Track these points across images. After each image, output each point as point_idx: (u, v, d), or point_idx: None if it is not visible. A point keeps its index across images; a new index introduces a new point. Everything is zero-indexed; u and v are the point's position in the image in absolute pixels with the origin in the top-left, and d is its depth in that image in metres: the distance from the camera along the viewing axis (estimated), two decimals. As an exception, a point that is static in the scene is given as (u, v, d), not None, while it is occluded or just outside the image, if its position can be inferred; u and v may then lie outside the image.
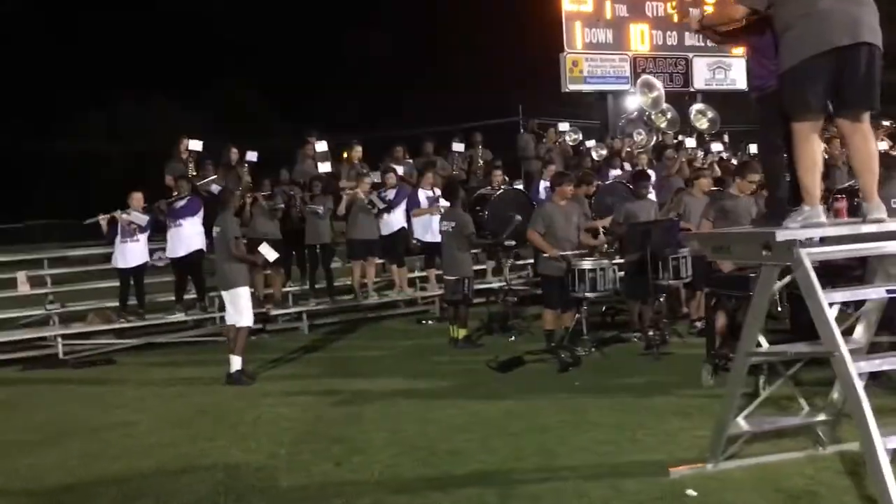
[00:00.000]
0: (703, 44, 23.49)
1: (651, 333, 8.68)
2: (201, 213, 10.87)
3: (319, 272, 12.01)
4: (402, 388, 7.82)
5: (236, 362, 8.49)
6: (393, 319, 12.27)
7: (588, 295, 8.56)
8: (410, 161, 13.88)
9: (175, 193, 11.03)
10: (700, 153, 14.87)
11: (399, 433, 6.27)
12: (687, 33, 23.07)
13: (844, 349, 3.89)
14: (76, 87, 31.50)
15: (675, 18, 20.87)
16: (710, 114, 18.36)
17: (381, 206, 11.81)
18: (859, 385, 3.83)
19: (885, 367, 4.03)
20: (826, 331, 3.96)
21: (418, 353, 9.62)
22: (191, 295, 11.34)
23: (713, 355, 7.26)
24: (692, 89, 23.20)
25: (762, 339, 4.74)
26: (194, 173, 11.99)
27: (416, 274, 12.91)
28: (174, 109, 31.73)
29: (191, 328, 11.27)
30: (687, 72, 23.01)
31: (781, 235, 4.10)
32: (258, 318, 11.35)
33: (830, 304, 4.05)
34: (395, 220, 12.09)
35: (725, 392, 4.95)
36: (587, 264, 8.51)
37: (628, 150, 15.22)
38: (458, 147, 14.56)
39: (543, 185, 12.55)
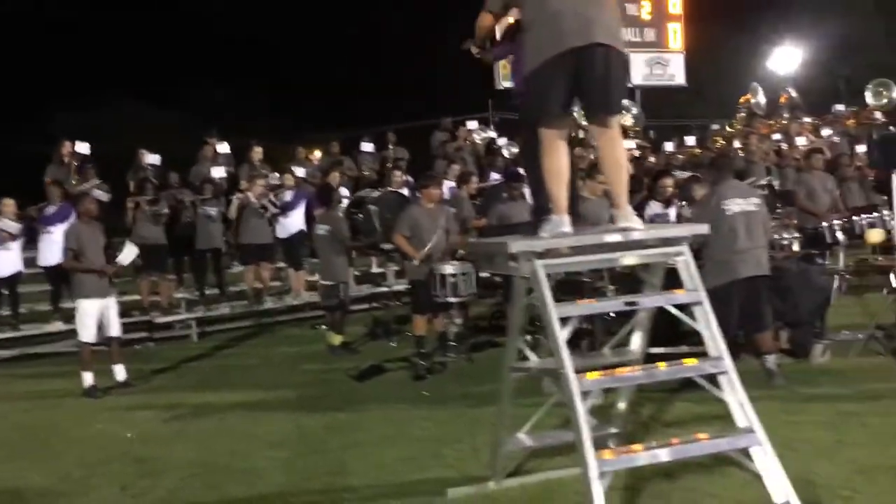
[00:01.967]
0: (640, 39, 23.55)
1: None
2: (73, 220, 10.55)
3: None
4: (249, 400, 7.59)
5: (86, 378, 8.22)
6: (291, 325, 12.01)
7: (450, 300, 8.34)
8: (315, 161, 13.64)
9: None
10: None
11: (209, 451, 6.03)
12: (624, 28, 23.10)
13: (569, 366, 3.68)
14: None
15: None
16: (634, 110, 18.16)
17: (274, 209, 11.56)
18: (580, 405, 3.62)
19: (608, 386, 3.82)
20: (555, 347, 3.75)
21: (293, 362, 9.38)
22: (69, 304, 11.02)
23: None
24: (630, 85, 23.11)
25: (529, 353, 4.53)
26: (76, 178, 11.67)
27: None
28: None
29: (67, 338, 10.94)
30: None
31: (515, 246, 3.89)
32: (143, 326, 11.14)
33: (566, 319, 3.85)
34: (292, 223, 11.85)
35: (497, 407, 4.75)
36: (449, 269, 8.28)
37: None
38: (366, 147, 14.33)
39: (448, 185, 12.36)
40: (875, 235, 9.80)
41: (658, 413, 6.19)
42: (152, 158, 12.37)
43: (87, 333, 8.35)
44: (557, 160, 4.11)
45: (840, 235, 10.33)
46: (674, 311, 4.08)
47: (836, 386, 6.56)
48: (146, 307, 11.24)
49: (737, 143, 15.62)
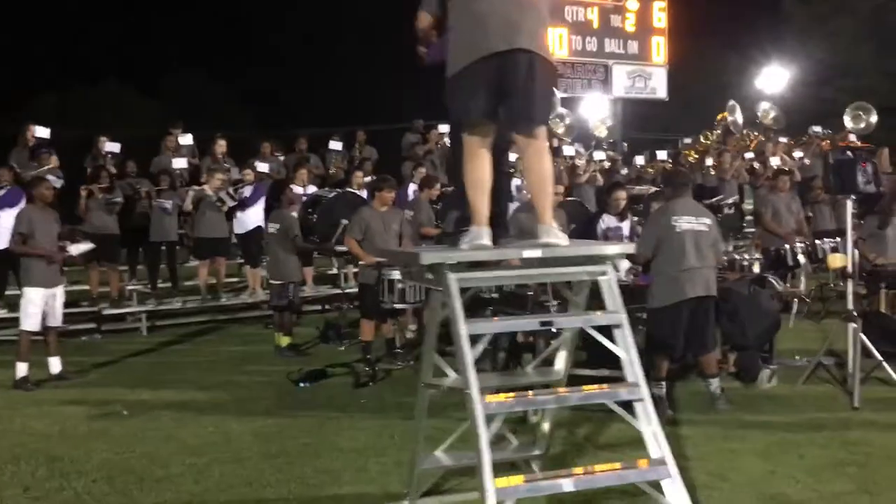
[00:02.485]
0: (623, 51, 23.45)
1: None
2: (22, 204, 10.26)
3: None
4: (183, 399, 7.36)
5: (20, 369, 7.96)
6: (246, 323, 11.76)
7: (398, 306, 8.15)
8: (280, 157, 13.42)
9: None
10: (582, 161, 14.51)
11: (126, 454, 5.78)
12: (607, 39, 23.00)
13: (475, 387, 3.49)
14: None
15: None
16: (608, 121, 18.04)
17: (231, 203, 11.32)
18: (483, 428, 3.44)
19: (514, 409, 3.63)
20: (462, 365, 3.56)
21: (238, 362, 9.15)
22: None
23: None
24: (611, 97, 23.01)
25: (449, 370, 4.33)
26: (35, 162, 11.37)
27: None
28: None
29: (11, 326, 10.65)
30: (606, 79, 22.77)
31: (426, 258, 3.70)
32: (90, 317, 10.87)
33: (478, 336, 3.66)
34: (250, 218, 11.59)
35: (413, 423, 4.56)
36: (396, 274, 8.08)
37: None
38: (335, 145, 14.12)
39: (412, 187, 12.19)
40: (837, 260, 9.62)
41: (594, 434, 6.02)
42: (111, 146, 12.11)
43: (30, 322, 8.09)
44: (478, 169, 3.92)
45: (802, 258, 10.25)
46: (593, 333, 3.89)
47: (780, 413, 6.42)
48: (95, 298, 10.97)
49: (709, 161, 15.51)
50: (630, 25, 23.15)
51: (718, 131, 18.29)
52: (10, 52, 27.67)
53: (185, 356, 9.68)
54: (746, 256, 9.94)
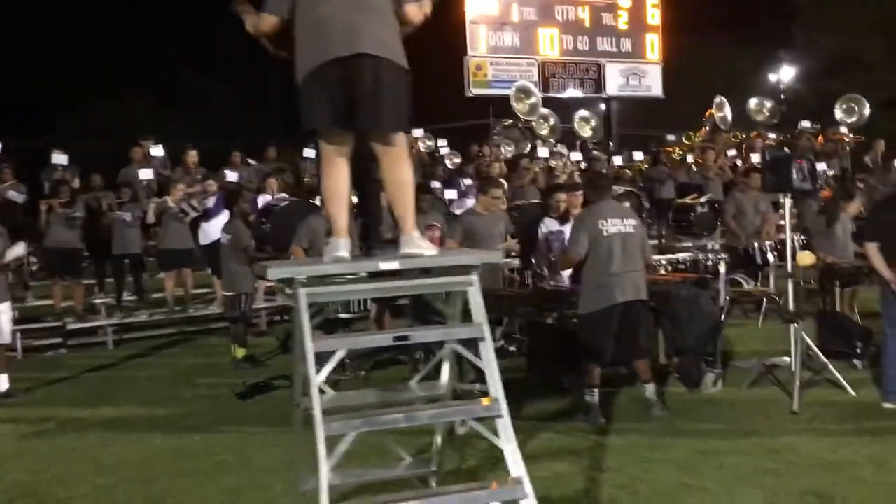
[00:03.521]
0: (616, 49, 23.23)
1: None
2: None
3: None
4: (119, 416, 7.29)
5: None
6: (214, 334, 11.66)
7: (340, 315, 8.02)
8: (253, 165, 13.36)
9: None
10: (561, 163, 14.32)
11: (40, 474, 5.71)
12: (599, 38, 22.78)
13: (318, 407, 3.35)
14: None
15: None
16: (593, 122, 17.83)
17: (194, 213, 11.26)
18: (323, 451, 3.31)
19: (360, 430, 3.48)
20: (308, 384, 3.43)
21: (192, 374, 9.05)
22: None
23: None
24: (605, 95, 22.79)
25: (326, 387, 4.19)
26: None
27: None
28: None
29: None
30: (599, 78, 22.56)
31: (272, 273, 3.57)
32: (55, 332, 10.83)
33: (322, 354, 3.52)
34: (214, 229, 11.49)
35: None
36: (341, 283, 7.93)
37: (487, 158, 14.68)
38: (309, 153, 13.99)
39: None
40: (805, 258, 9.44)
41: (519, 444, 5.82)
42: (59, 158, 12.06)
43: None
44: (334, 180, 3.79)
45: (770, 257, 10.03)
46: (459, 348, 3.73)
47: (715, 420, 6.23)
48: (59, 313, 10.93)
49: (689, 158, 15.28)
50: (623, 23, 22.97)
51: (707, 128, 18.06)
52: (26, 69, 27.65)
53: (142, 370, 9.59)
54: (710, 256, 9.77)
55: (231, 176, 12.33)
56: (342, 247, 3.72)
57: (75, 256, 10.92)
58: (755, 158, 15.41)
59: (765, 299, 9.99)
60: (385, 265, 3.63)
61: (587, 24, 22.26)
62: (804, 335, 6.68)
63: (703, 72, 32.21)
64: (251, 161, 13.96)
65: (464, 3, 20.38)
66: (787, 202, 6.68)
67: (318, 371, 3.47)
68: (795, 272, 10.19)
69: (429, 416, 3.50)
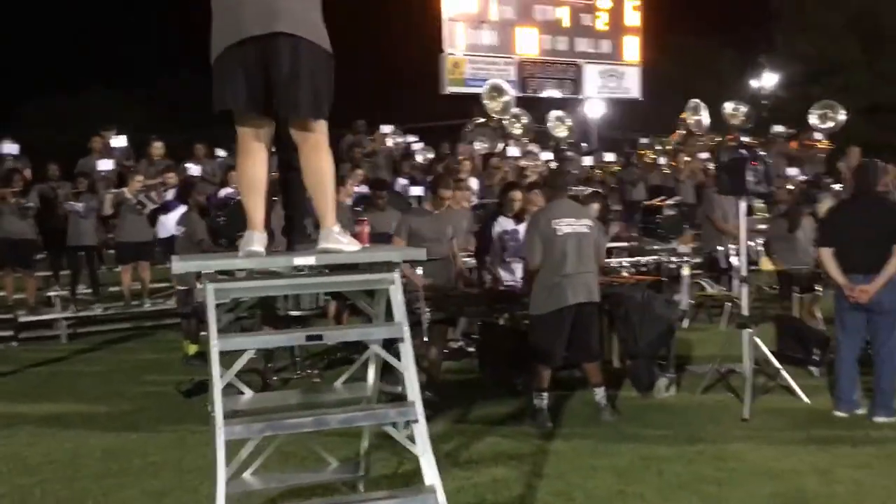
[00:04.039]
0: (595, 50, 23.14)
1: None
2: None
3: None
4: (54, 412, 7.03)
5: None
6: (171, 329, 11.40)
7: (291, 312, 7.80)
8: (219, 159, 13.12)
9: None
10: (532, 162, 14.16)
11: (-42, 474, 5.49)
12: (578, 39, 22.69)
13: (219, 410, 3.17)
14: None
15: None
16: (568, 121, 17.70)
17: (152, 205, 11.01)
18: (221, 455, 3.13)
19: (263, 434, 3.30)
20: (211, 384, 3.25)
21: (141, 370, 8.83)
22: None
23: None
24: (582, 97, 22.71)
25: (246, 389, 4.01)
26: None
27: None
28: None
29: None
30: (578, 78, 22.50)
31: (177, 266, 3.38)
32: (7, 325, 10.57)
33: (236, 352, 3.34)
34: (173, 222, 11.24)
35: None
36: (291, 280, 7.73)
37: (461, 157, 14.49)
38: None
39: (355, 189, 11.86)
40: (768, 263, 9.35)
41: (459, 448, 5.69)
42: (10, 147, 11.78)
43: None
44: (249, 168, 3.60)
45: (734, 261, 9.91)
46: (378, 349, 3.56)
47: (663, 426, 6.08)
48: (10, 304, 10.67)
49: (662, 160, 15.18)
50: (602, 24, 22.95)
51: (682, 131, 17.96)
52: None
53: (91, 365, 9.36)
54: (674, 259, 9.66)
55: (193, 169, 12.09)
56: (256, 241, 3.53)
57: (28, 247, 10.65)
58: (727, 162, 15.32)
59: (728, 303, 9.87)
60: (300, 260, 3.44)
61: (566, 24, 22.21)
62: (758, 341, 6.57)
63: (688, 75, 32.19)
64: (221, 153, 13.68)
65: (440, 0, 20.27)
66: (742, 205, 6.54)
67: (223, 373, 3.29)
68: (756, 277, 10.20)
69: (338, 420, 3.31)
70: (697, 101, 17.69)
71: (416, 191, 12.21)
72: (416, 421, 3.36)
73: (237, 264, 3.40)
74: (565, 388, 6.94)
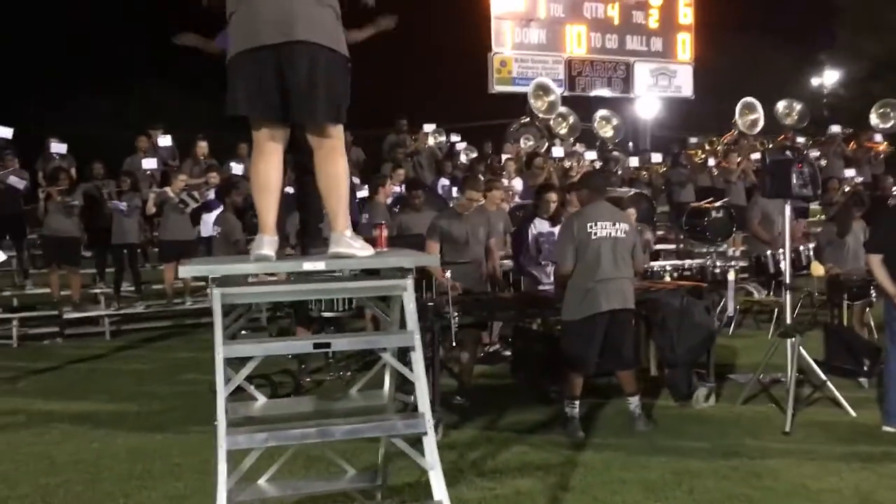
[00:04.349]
0: (646, 48, 22.75)
1: None
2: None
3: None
4: (86, 411, 7.08)
5: None
6: (210, 328, 11.45)
7: (325, 314, 7.74)
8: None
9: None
10: (575, 163, 13.92)
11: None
12: (629, 36, 22.33)
13: (222, 419, 3.09)
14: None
15: None
16: (614, 121, 17.38)
17: (194, 204, 11.08)
18: (223, 466, 3.05)
19: (265, 445, 3.20)
20: (217, 392, 3.17)
21: (178, 369, 8.86)
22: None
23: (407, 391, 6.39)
24: (633, 95, 22.34)
25: (258, 394, 3.93)
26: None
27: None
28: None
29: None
30: (628, 77, 22.14)
31: (185, 271, 3.31)
32: (52, 321, 10.73)
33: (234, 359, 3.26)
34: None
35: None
36: (325, 281, 7.66)
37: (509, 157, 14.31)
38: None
39: (395, 189, 11.80)
40: (818, 269, 9.00)
41: (485, 457, 5.54)
42: (57, 147, 11.94)
43: None
44: (263, 170, 3.53)
45: (783, 265, 9.58)
46: (389, 358, 3.44)
47: (699, 438, 5.85)
48: (56, 301, 10.83)
49: (711, 161, 14.80)
50: (654, 22, 22.54)
51: (735, 132, 17.52)
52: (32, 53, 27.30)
53: (130, 362, 9.44)
54: (719, 263, 9.37)
55: (236, 168, 12.14)
56: (266, 244, 3.46)
57: (73, 245, 10.80)
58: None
59: (776, 310, 9.54)
60: (309, 265, 3.35)
61: (616, 21, 21.88)
62: (802, 350, 6.28)
63: (745, 73, 31.43)
64: None
65: (488, -1, 20.10)
66: (787, 209, 6.28)
67: (228, 380, 3.21)
68: (806, 283, 9.85)
69: (343, 431, 3.20)
70: (750, 99, 17.23)
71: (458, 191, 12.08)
72: (425, 433, 3.23)
73: (246, 269, 3.31)
74: (601, 396, 6.76)
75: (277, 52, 3.34)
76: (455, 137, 14.92)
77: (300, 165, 4.02)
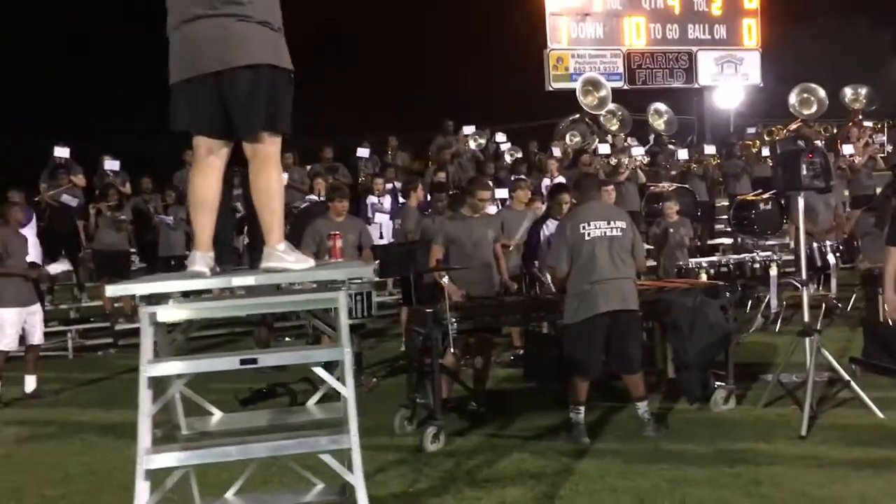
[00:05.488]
0: (709, 36, 22.15)
1: None
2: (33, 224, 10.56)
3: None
4: (117, 422, 7.21)
5: None
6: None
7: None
8: (306, 168, 13.35)
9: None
10: (624, 159, 13.60)
11: (4, 482, 5.72)
12: (690, 25, 21.76)
13: (144, 438, 3.12)
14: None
15: None
16: (666, 115, 16.95)
17: (238, 216, 11.26)
18: (141, 487, 3.07)
19: (193, 462, 3.21)
20: (140, 411, 3.20)
21: (209, 377, 8.59)
22: None
23: (413, 398, 6.36)
24: (697, 85, 21.77)
25: (213, 408, 3.96)
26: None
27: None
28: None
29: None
30: (691, 67, 21.58)
31: (111, 290, 3.34)
32: (106, 332, 11.10)
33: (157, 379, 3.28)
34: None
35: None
36: (344, 288, 7.68)
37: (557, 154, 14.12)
38: (362, 152, 13.89)
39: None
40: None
41: (482, 465, 5.46)
42: (111, 164, 12.32)
43: (5, 342, 8.29)
44: (200, 185, 3.52)
45: (832, 258, 9.18)
46: (322, 372, 3.40)
47: (708, 442, 5.64)
48: (108, 313, 11.20)
49: (765, 151, 14.27)
50: (717, 9, 21.92)
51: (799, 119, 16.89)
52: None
53: (172, 372, 9.66)
54: (756, 257, 9.02)
55: (284, 177, 12.31)
56: (198, 261, 3.46)
57: (123, 258, 11.16)
58: (846, 150, 14.27)
59: (824, 305, 9.12)
60: (238, 282, 3.35)
61: (677, 10, 21.36)
62: (823, 350, 5.98)
63: (834, 59, 30.05)
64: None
65: (543, -6, 19.93)
66: (800, 201, 5.98)
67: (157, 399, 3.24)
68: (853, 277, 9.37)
69: (267, 448, 3.19)
70: (809, 84, 16.56)
71: (501, 193, 11.98)
72: (348, 448, 3.19)
73: (170, 287, 3.33)
74: (618, 400, 6.57)
75: (218, 79, 3.34)
76: (500, 137, 14.79)
77: (248, 179, 4.01)
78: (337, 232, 4.31)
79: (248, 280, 3.36)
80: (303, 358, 3.44)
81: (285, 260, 3.46)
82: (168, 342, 3.69)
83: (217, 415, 3.88)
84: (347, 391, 3.29)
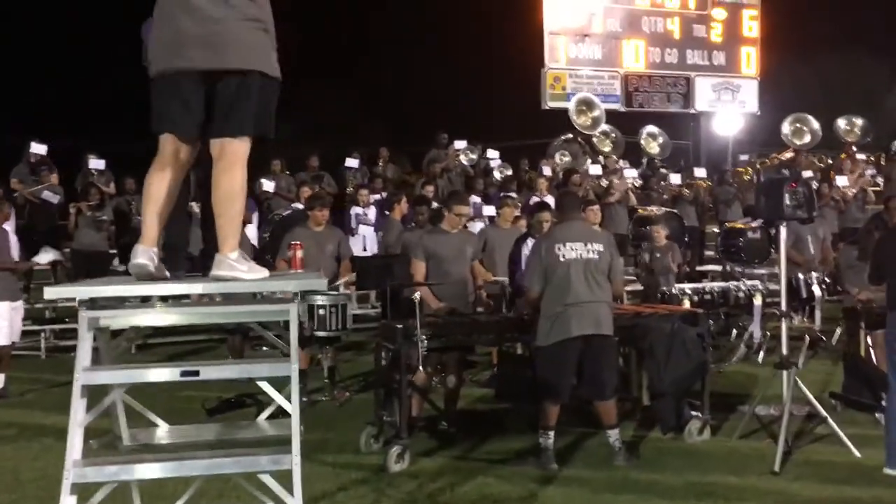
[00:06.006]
0: (707, 63, 22.13)
1: None
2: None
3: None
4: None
5: None
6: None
7: (317, 333, 7.62)
8: (289, 175, 13.23)
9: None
10: (615, 180, 13.48)
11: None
12: (689, 51, 21.73)
13: (74, 450, 2.97)
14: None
15: None
16: (661, 138, 16.87)
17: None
18: (66, 500, 2.92)
19: (123, 477, 3.08)
20: (71, 421, 3.05)
21: (186, 386, 8.79)
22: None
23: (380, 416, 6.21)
24: (693, 111, 21.73)
25: (160, 420, 3.81)
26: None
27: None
28: None
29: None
30: (688, 92, 21.55)
31: (50, 293, 3.20)
32: (71, 334, 10.92)
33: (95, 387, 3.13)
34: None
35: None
36: (319, 299, 7.55)
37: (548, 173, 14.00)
38: (351, 163, 13.77)
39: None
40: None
41: (444, 489, 5.31)
42: (96, 163, 12.17)
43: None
44: (156, 181, 3.36)
45: (817, 290, 9.07)
46: (266, 386, 3.26)
47: (677, 474, 5.49)
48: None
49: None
50: (716, 35, 21.90)
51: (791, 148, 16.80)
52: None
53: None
54: (742, 287, 8.91)
55: (267, 185, 12.20)
56: (140, 254, 3.30)
57: (101, 259, 10.98)
58: (840, 181, 14.19)
59: (807, 336, 8.99)
60: (183, 289, 3.21)
61: (677, 35, 21.36)
62: (800, 383, 5.85)
63: (829, 89, 30.06)
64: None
65: (542, 14, 19.87)
66: (783, 230, 5.86)
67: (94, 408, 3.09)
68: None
69: (203, 466, 3.05)
70: (802, 115, 16.49)
71: (488, 210, 11.87)
72: (288, 469, 3.04)
73: (108, 292, 3.18)
74: (589, 425, 6.41)
75: (206, 78, 3.22)
76: (492, 154, 14.69)
77: (204, 182, 3.87)
78: (298, 242, 4.18)
79: (196, 288, 3.22)
80: (246, 372, 3.28)
81: (237, 269, 3.32)
82: (112, 348, 3.53)
83: (162, 427, 3.73)
84: (293, 409, 3.15)
